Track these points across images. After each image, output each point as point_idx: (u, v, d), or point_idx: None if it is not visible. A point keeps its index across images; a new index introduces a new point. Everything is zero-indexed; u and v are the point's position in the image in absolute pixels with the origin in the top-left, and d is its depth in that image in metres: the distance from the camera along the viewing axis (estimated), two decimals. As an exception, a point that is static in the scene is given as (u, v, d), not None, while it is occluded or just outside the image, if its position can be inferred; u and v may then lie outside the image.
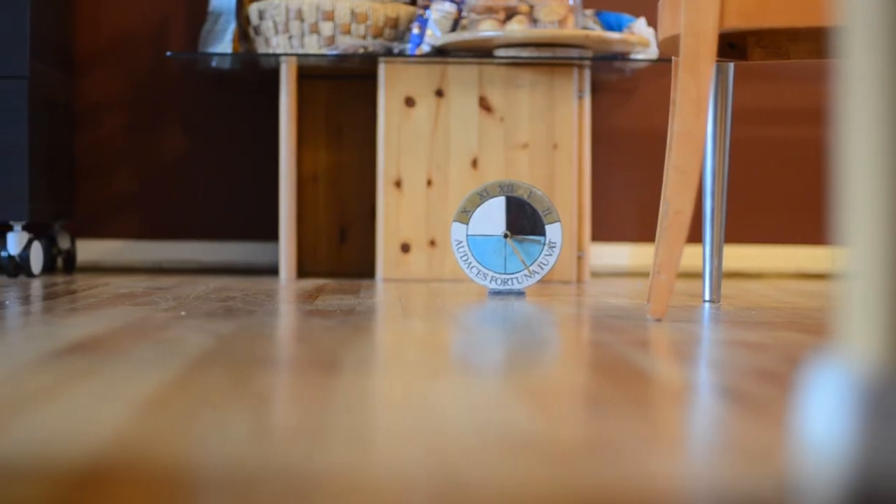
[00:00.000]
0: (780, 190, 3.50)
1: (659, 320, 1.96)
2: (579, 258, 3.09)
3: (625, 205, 3.47)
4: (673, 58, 2.27)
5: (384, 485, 0.78)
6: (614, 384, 1.23)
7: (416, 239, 3.05)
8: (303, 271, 3.31)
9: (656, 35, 3.29)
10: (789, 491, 0.78)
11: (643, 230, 3.48)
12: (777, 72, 3.49)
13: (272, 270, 3.40)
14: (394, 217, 3.05)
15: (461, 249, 2.52)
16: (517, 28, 2.97)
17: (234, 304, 2.18)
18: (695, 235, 3.27)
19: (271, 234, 3.44)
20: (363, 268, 3.34)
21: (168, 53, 3.08)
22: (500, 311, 2.11)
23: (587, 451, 0.89)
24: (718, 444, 0.92)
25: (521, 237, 2.51)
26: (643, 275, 3.45)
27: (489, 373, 1.30)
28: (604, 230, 3.46)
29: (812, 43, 2.26)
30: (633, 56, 3.10)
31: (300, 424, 0.98)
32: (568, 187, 3.06)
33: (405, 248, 3.05)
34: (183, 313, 1.98)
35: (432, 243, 3.05)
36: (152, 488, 0.76)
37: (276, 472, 0.81)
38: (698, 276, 3.40)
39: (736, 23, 1.95)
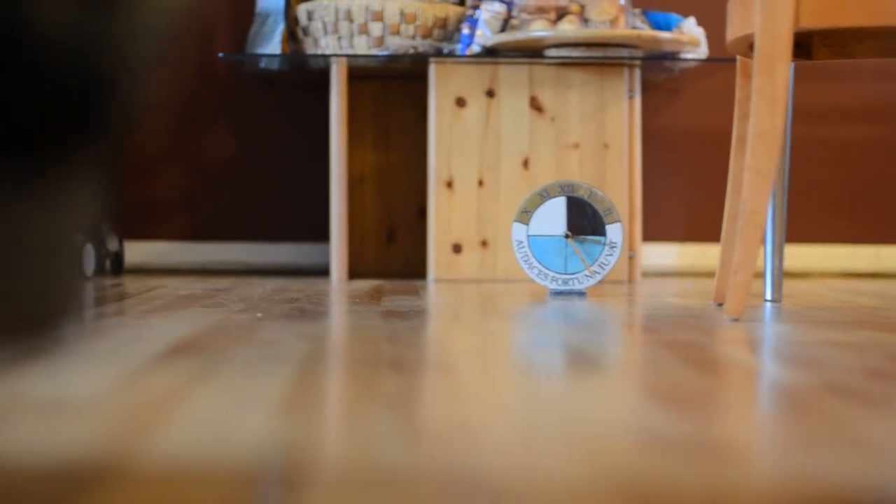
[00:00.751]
0: (824, 189, 3.49)
1: (736, 320, 1.96)
2: (630, 258, 3.09)
3: (671, 204, 3.47)
4: (738, 57, 2.27)
5: (563, 487, 0.78)
6: (732, 385, 1.23)
7: (468, 239, 3.05)
8: (351, 272, 3.31)
9: (713, 34, 3.29)
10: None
11: (690, 230, 3.47)
12: (824, 71, 3.49)
13: (320, 271, 3.40)
14: (445, 217, 3.05)
15: (522, 250, 2.52)
16: (569, 28, 2.97)
17: (304, 306, 2.19)
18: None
19: (318, 235, 3.44)
20: (411, 268, 3.35)
21: (220, 55, 3.09)
22: (572, 312, 2.11)
23: (745, 451, 0.90)
24: (864, 443, 0.92)
25: (581, 237, 2.51)
26: (691, 274, 3.45)
27: (604, 372, 1.30)
28: (650, 230, 3.46)
29: (878, 42, 2.26)
30: (682, 55, 3.10)
31: (445, 424, 0.98)
32: (619, 187, 3.06)
33: (457, 248, 3.05)
34: (259, 315, 1.98)
35: (484, 244, 3.05)
36: (325, 489, 0.76)
37: (441, 471, 0.81)
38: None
39: (811, 22, 1.95)
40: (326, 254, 3.43)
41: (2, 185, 0.58)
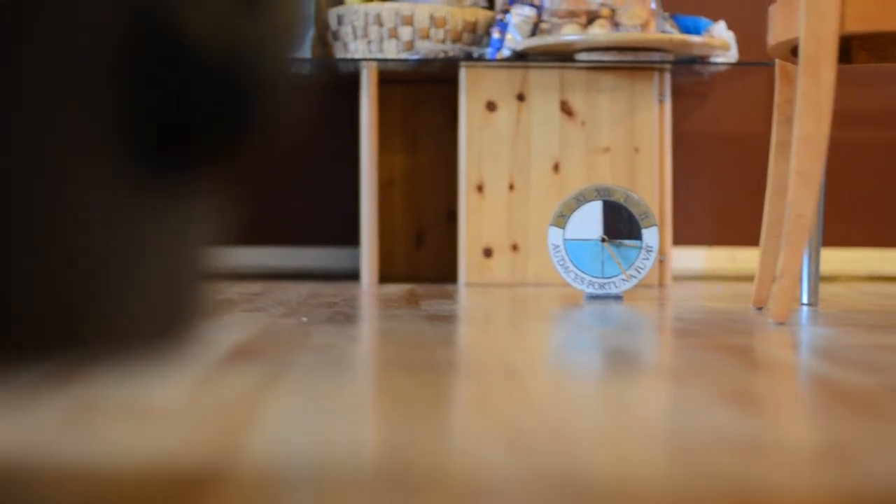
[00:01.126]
0: (850, 192, 3.49)
1: (781, 324, 1.96)
2: (661, 262, 3.09)
3: (699, 208, 3.47)
4: (777, 61, 2.28)
5: (667, 492, 0.78)
6: (799, 388, 1.24)
7: (499, 243, 3.06)
8: (381, 276, 3.31)
9: (742, 38, 3.29)
10: None
11: (718, 234, 3.48)
12: (851, 74, 3.49)
13: (348, 275, 3.41)
14: (476, 221, 3.05)
15: (558, 254, 2.52)
16: (600, 32, 2.97)
17: (345, 310, 2.19)
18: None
19: (345, 239, 3.45)
20: (440, 272, 3.35)
21: (251, 59, 3.10)
22: (615, 315, 2.11)
23: (821, 454, 0.90)
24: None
25: (618, 241, 2.52)
26: (718, 278, 3.45)
27: (670, 375, 1.30)
28: (678, 233, 3.46)
29: (918, 46, 2.26)
30: (712, 59, 3.11)
31: (533, 429, 0.98)
32: (649, 191, 3.06)
33: (487, 252, 3.05)
34: (304, 320, 1.99)
35: (514, 247, 3.06)
36: (429, 494, 0.76)
37: (546, 477, 0.81)
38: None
39: (856, 26, 1.95)
40: (354, 258, 3.43)
41: (152, 189, 0.58)
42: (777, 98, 2.28)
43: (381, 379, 1.28)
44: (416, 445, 0.92)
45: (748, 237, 3.47)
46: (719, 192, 3.48)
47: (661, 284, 3.08)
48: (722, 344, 1.66)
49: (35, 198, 0.52)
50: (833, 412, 1.09)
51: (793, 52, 2.19)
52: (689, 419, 1.05)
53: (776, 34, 2.12)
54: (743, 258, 3.47)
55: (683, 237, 3.47)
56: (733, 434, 0.98)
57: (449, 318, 2.02)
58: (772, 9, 2.15)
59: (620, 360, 1.46)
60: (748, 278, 3.45)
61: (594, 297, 2.54)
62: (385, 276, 3.32)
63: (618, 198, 2.52)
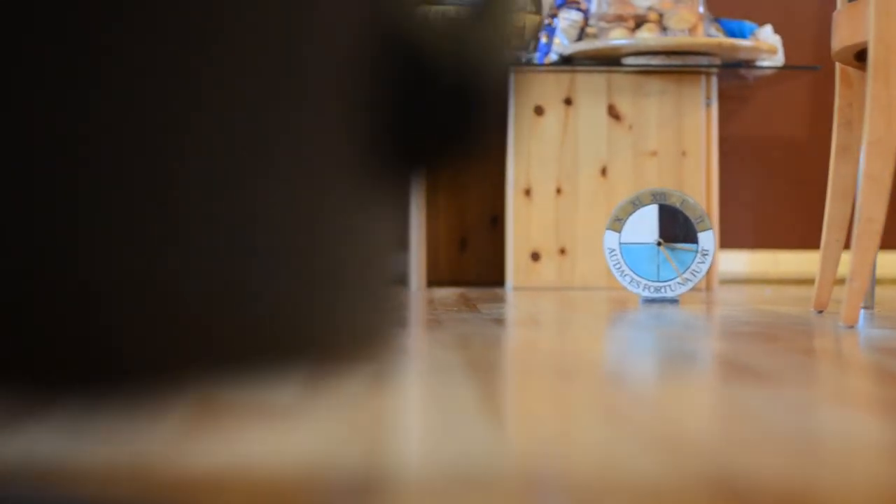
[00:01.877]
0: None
1: (851, 327, 1.96)
2: (708, 265, 3.09)
3: (742, 212, 3.47)
4: (838, 65, 2.28)
5: (822, 494, 0.79)
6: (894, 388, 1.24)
7: (546, 247, 3.06)
8: (427, 280, 3.32)
9: (787, 42, 3.28)
10: None
11: (760, 237, 3.48)
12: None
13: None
14: (524, 225, 3.06)
15: (614, 257, 2.53)
16: (649, 36, 2.97)
17: (406, 314, 2.19)
18: (811, 241, 3.27)
19: (388, 243, 3.45)
20: (484, 276, 3.35)
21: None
22: (680, 319, 2.11)
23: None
24: None
25: (673, 245, 2.52)
26: (762, 282, 3.45)
27: (771, 380, 1.31)
28: (721, 236, 3.47)
29: (979, 49, 2.26)
30: (759, 63, 3.11)
31: (663, 431, 0.99)
32: (696, 195, 3.06)
33: (535, 256, 3.06)
34: (374, 323, 1.99)
35: (562, 251, 3.06)
36: (601, 499, 0.77)
37: (697, 479, 0.82)
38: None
39: (926, 30, 1.96)
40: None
41: (374, 193, 0.59)
42: (838, 101, 2.28)
43: (489, 383, 1.28)
44: (558, 449, 0.93)
45: (790, 240, 3.47)
46: (762, 195, 3.48)
47: (709, 288, 3.08)
48: (804, 347, 1.67)
49: (274, 200, 0.53)
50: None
51: (856, 56, 2.19)
52: (812, 422, 1.05)
53: (841, 39, 2.13)
54: (785, 261, 3.47)
55: (726, 240, 3.47)
56: (863, 436, 0.98)
57: (517, 322, 2.02)
58: (836, 14, 2.15)
59: (718, 364, 1.46)
60: (791, 281, 3.46)
61: (650, 301, 2.54)
62: (431, 280, 3.33)
63: (674, 202, 2.53)
